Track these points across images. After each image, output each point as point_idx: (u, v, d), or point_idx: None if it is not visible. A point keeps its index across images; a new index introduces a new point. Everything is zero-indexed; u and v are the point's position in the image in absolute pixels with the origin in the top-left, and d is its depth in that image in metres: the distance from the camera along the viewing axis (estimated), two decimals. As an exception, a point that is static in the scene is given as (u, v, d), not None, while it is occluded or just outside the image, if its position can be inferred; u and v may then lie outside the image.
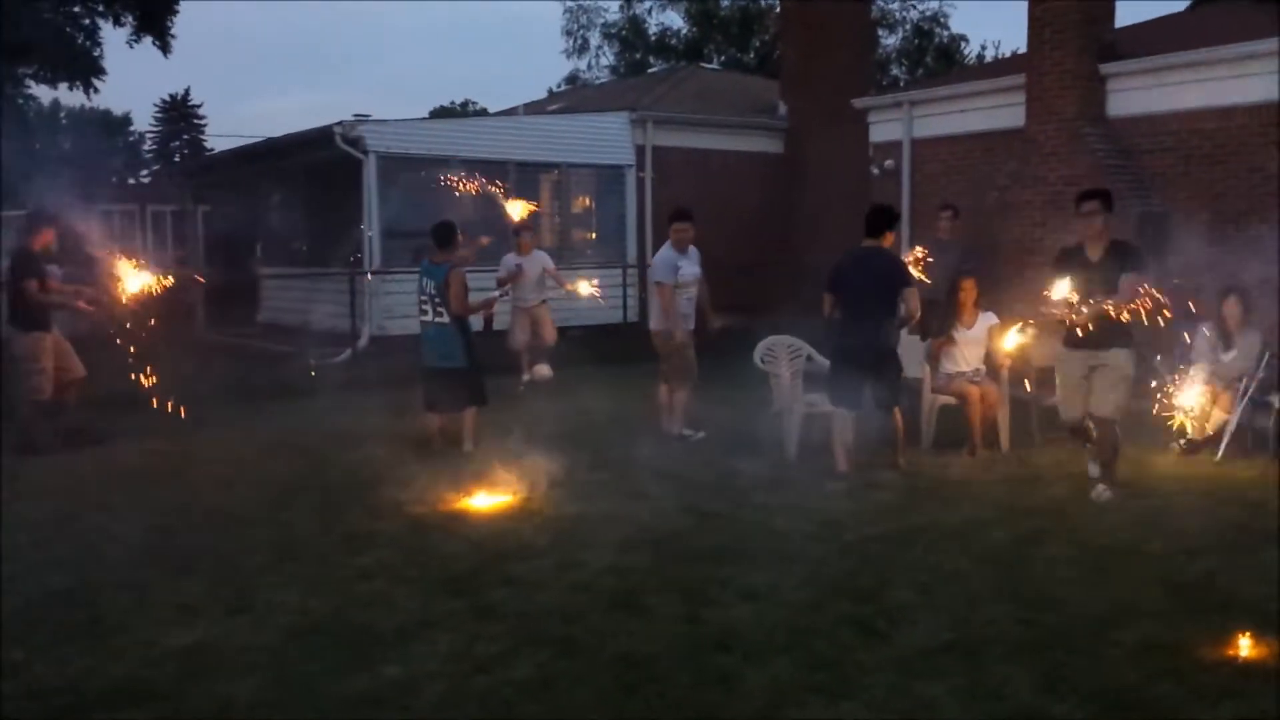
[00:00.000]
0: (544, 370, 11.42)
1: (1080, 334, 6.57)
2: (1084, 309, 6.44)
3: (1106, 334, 6.49)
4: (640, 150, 16.05)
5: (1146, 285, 6.31)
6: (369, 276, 13.72)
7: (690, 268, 8.57)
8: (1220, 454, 7.63)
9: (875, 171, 13.97)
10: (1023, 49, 12.00)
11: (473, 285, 8.41)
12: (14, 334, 8.48)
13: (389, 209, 14.06)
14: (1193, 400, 8.01)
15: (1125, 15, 11.83)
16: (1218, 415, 7.89)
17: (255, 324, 17.45)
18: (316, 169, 15.62)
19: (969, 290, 8.42)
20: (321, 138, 14.22)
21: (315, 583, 5.26)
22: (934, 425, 8.26)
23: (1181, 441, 7.97)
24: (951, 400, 8.15)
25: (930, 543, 5.76)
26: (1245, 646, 4.18)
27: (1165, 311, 6.30)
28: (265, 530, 6.18)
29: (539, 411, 9.77)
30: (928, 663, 4.18)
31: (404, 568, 5.46)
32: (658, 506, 6.62)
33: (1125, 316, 6.33)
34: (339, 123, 14.00)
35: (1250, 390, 7.81)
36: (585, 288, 10.99)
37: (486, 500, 6.70)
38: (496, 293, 8.57)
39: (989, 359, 8.29)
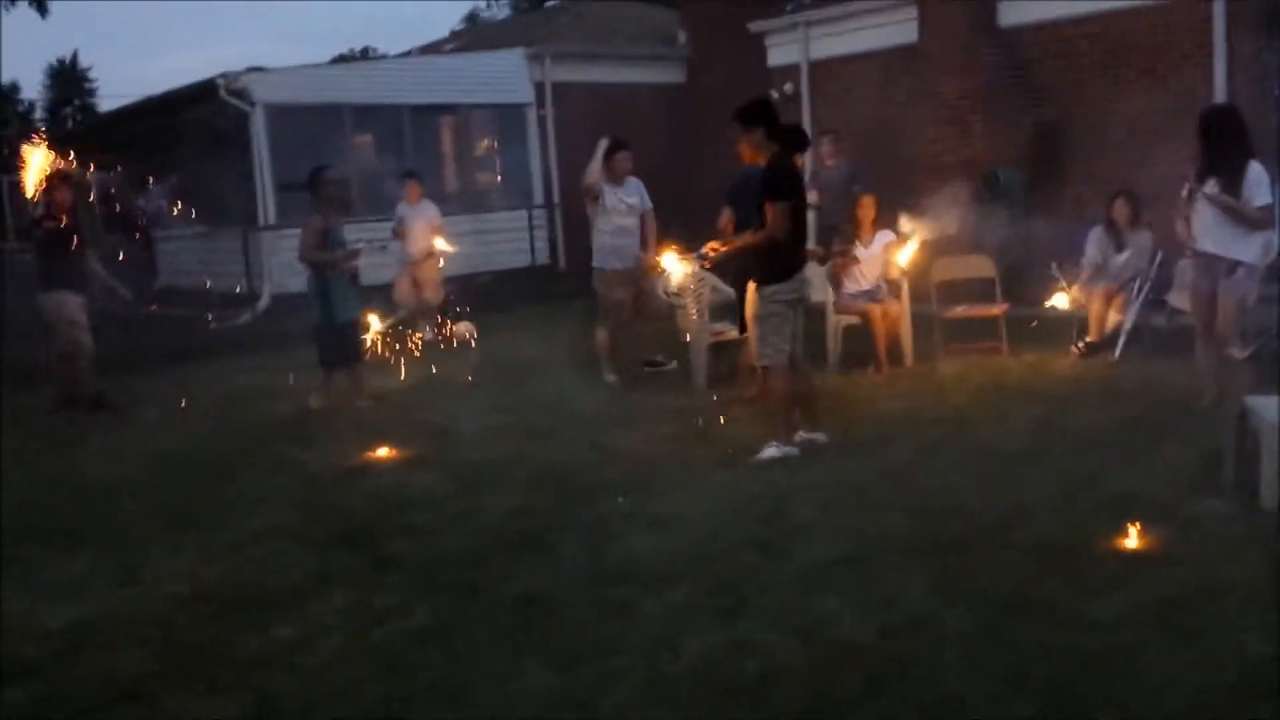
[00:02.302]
0: (464, 328, 11.17)
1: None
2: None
3: (743, 265, 6.36)
4: (539, 87, 15.70)
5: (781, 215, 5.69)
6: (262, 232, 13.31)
7: (618, 197, 8.29)
8: (1117, 354, 7.77)
9: (775, 96, 13.86)
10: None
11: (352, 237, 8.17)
12: None
13: (281, 161, 13.60)
14: (1064, 303, 8.19)
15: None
16: (1113, 316, 8.03)
17: (153, 290, 16.89)
18: (205, 124, 15.05)
19: (867, 208, 8.43)
20: (206, 91, 13.69)
21: (207, 549, 5.09)
22: (839, 345, 8.28)
23: (1080, 344, 8.11)
24: (855, 320, 8.18)
25: (833, 461, 5.78)
26: (1133, 537, 4.25)
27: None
28: (157, 498, 5.97)
29: (444, 360, 9.61)
30: (825, 576, 4.19)
31: (300, 526, 5.32)
32: (564, 446, 6.54)
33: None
34: (223, 74, 13.47)
35: (1145, 291, 7.95)
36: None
37: (388, 453, 6.57)
38: (361, 246, 8.03)
39: (888, 275, 8.33)
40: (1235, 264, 5.99)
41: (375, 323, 8.89)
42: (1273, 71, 9.95)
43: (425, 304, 11.25)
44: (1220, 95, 9.55)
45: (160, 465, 6.68)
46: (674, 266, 7.19)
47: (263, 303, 13.15)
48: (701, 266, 7.09)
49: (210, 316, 12.13)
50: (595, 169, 8.09)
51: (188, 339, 11.55)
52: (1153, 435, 5.80)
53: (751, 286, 6.02)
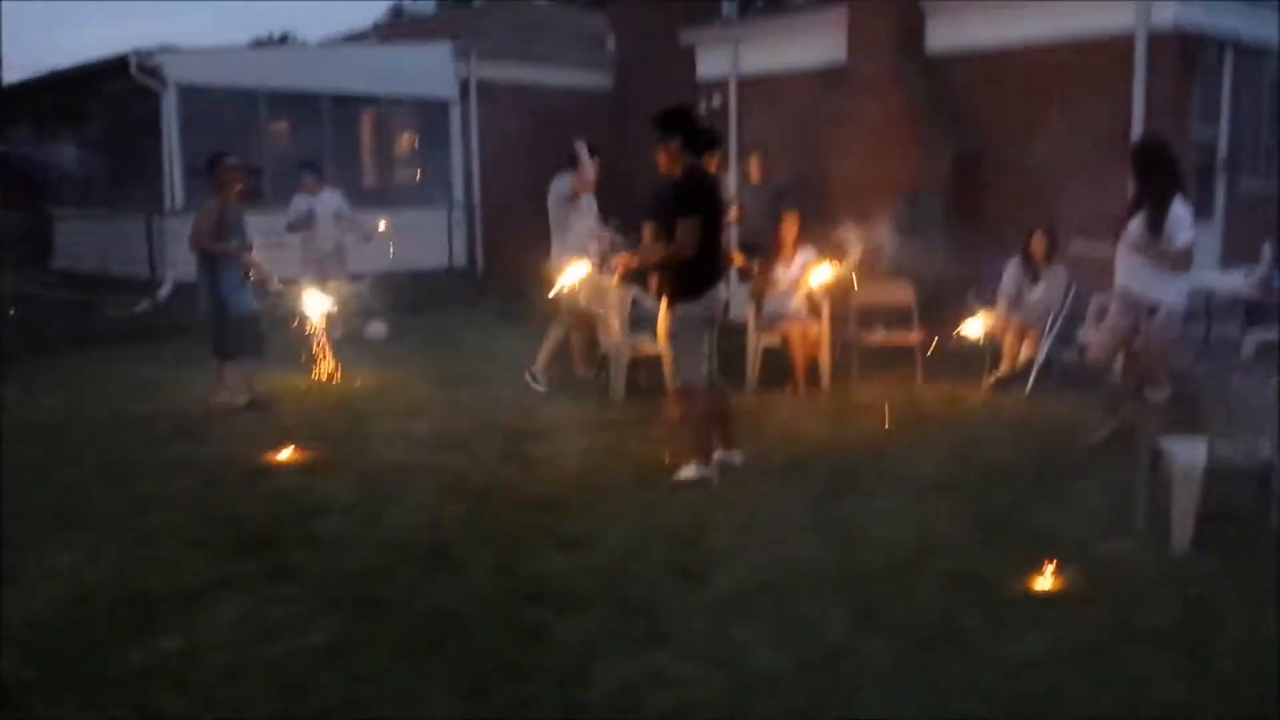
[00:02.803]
0: (377, 328, 10.87)
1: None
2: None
3: (657, 283, 6.12)
4: (464, 84, 15.44)
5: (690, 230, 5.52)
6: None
7: (589, 202, 8.26)
8: (1029, 389, 7.86)
9: (703, 108, 13.85)
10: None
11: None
12: None
13: (192, 145, 13.10)
14: (977, 330, 8.26)
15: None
16: (1026, 350, 8.13)
17: (50, 271, 16.18)
18: (113, 102, 14.46)
19: (790, 226, 8.40)
20: (116, 68, 13.13)
21: (94, 549, 4.81)
22: (758, 365, 8.24)
23: (992, 376, 8.19)
24: (776, 340, 8.15)
25: (752, 484, 5.71)
26: (1049, 576, 4.25)
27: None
28: (43, 493, 5.63)
29: (355, 362, 9.32)
30: (743, 605, 4.10)
31: (193, 529, 5.06)
32: (477, 456, 6.36)
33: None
34: (135, 51, 12.93)
35: (1057, 326, 8.06)
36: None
37: (291, 455, 6.30)
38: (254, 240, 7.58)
39: (808, 296, 8.32)
40: (1156, 306, 5.99)
41: (316, 308, 8.57)
42: (1191, 111, 10.25)
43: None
44: (1139, 132, 9.78)
45: (48, 458, 6.32)
46: (579, 276, 7.06)
47: (164, 290, 12.64)
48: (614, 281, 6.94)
49: (108, 303, 11.62)
50: (588, 170, 7.89)
51: (83, 325, 11.05)
52: (1064, 472, 5.84)
53: (663, 303, 5.89)
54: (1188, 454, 4.61)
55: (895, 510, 5.24)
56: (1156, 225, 5.86)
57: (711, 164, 6.51)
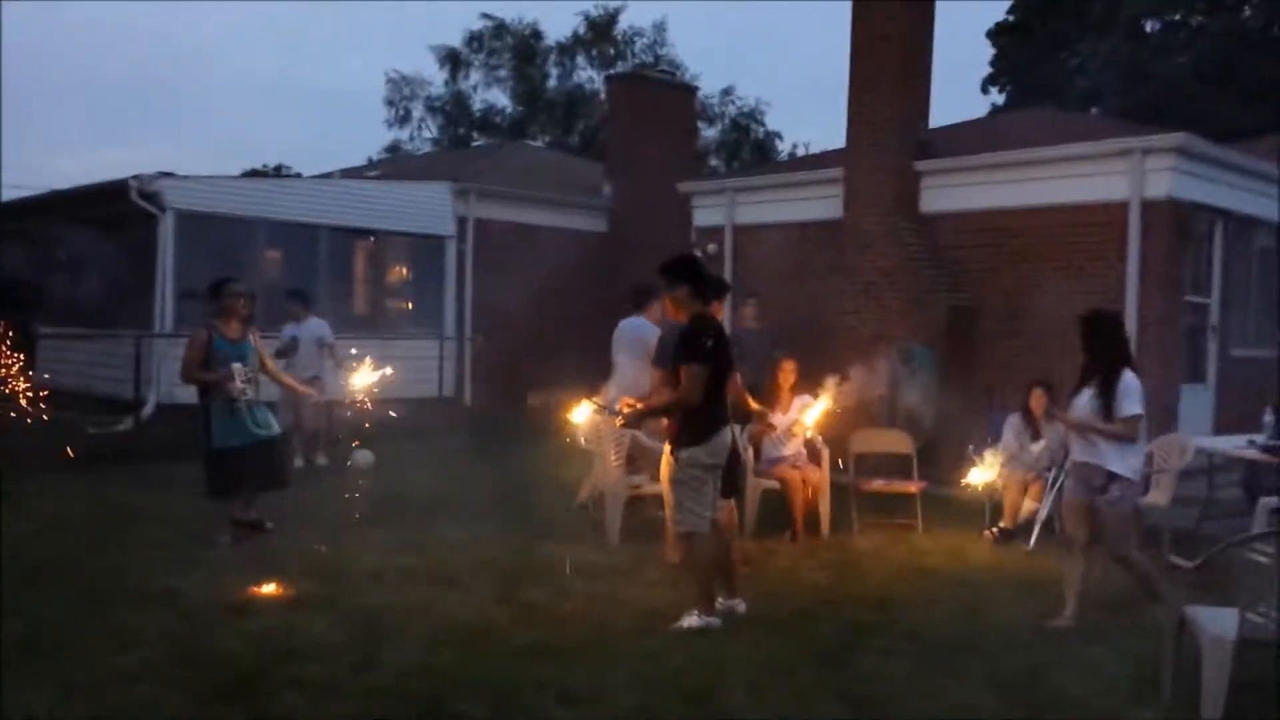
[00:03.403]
0: (363, 457, 10.69)
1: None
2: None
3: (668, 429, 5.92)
4: (462, 221, 15.65)
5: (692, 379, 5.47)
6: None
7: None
8: (1032, 543, 7.73)
9: (699, 254, 14.02)
10: (830, 148, 12.35)
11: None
12: None
13: (186, 269, 13.10)
14: (982, 479, 8.18)
15: (934, 119, 12.32)
16: (1028, 505, 8.04)
17: (31, 388, 15.92)
18: (111, 225, 14.52)
19: (787, 373, 8.40)
20: (116, 191, 13.24)
21: (69, 686, 4.52)
22: (756, 510, 8.08)
23: (994, 530, 8.08)
24: (775, 485, 8.02)
25: (759, 636, 5.48)
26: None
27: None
28: (14, 622, 5.34)
29: (341, 492, 9.09)
30: (762, 774, 3.86)
31: (174, 669, 4.78)
32: (471, 597, 6.12)
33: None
34: (135, 176, 13.06)
35: (1059, 481, 7.98)
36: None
37: (277, 591, 6.04)
38: (236, 367, 7.06)
39: (808, 443, 8.25)
40: (1110, 477, 5.74)
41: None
42: (1184, 278, 10.42)
43: (303, 431, 10.75)
44: (1132, 297, 9.92)
45: (22, 585, 6.02)
46: (585, 415, 6.94)
47: (147, 410, 12.44)
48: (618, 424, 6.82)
49: (89, 422, 11.39)
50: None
51: (63, 443, 10.77)
52: (1078, 634, 5.66)
53: (666, 450, 5.79)
54: (1217, 623, 4.46)
55: (909, 671, 5.02)
56: (1107, 396, 5.73)
57: (718, 311, 6.53)
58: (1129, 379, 5.74)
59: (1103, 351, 5.86)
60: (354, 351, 9.97)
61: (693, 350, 5.51)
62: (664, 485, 5.89)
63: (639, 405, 5.98)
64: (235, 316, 7.31)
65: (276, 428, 7.47)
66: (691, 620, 5.55)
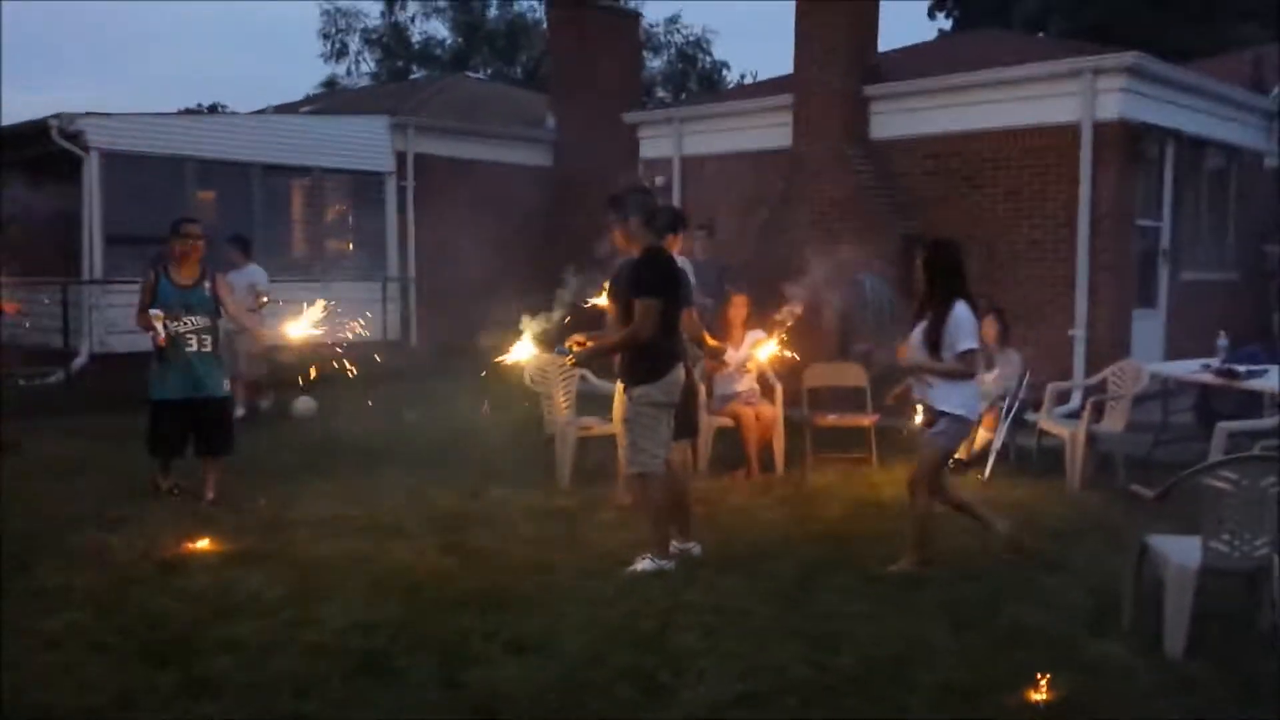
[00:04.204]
0: (304, 404, 10.40)
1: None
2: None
3: (613, 365, 5.75)
4: (401, 157, 15.16)
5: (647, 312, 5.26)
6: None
7: None
8: (987, 472, 7.67)
9: (647, 186, 13.72)
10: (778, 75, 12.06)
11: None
12: None
13: (114, 212, 12.57)
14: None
15: (881, 44, 12.04)
16: (983, 434, 7.96)
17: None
18: (34, 168, 13.87)
19: (739, 307, 8.19)
20: (36, 132, 12.61)
21: (-13, 655, 4.27)
22: (710, 448, 7.93)
23: (950, 461, 7.97)
24: (728, 422, 7.86)
25: (713, 577, 5.33)
26: (1043, 687, 3.93)
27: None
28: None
29: (283, 440, 8.84)
30: (717, 721, 3.72)
31: (101, 631, 4.54)
32: (414, 545, 5.92)
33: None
34: (56, 115, 12.44)
35: (1014, 410, 7.92)
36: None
37: (209, 546, 5.79)
38: (154, 312, 6.59)
39: (760, 378, 8.09)
40: (939, 413, 5.46)
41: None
42: (1135, 200, 10.32)
43: (244, 376, 10.45)
44: (1084, 220, 9.82)
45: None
46: (527, 353, 6.67)
47: (79, 360, 12.00)
48: (568, 363, 6.57)
49: (17, 374, 10.95)
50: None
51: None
52: (1035, 564, 5.59)
53: (619, 388, 5.57)
54: (1180, 553, 4.37)
55: (865, 609, 4.90)
56: (936, 330, 5.41)
57: (675, 244, 6.30)
58: (960, 312, 5.37)
59: (941, 284, 5.47)
60: (281, 304, 9.66)
61: (648, 283, 5.29)
62: (616, 425, 5.68)
63: (589, 343, 5.75)
64: (185, 259, 6.81)
65: (224, 388, 6.99)
66: (645, 564, 5.40)
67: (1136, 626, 4.57)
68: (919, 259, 5.61)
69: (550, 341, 6.38)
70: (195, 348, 6.73)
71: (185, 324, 6.69)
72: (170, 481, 6.94)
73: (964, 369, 5.41)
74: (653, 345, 5.32)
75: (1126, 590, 4.68)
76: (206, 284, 6.86)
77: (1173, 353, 10.39)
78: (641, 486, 5.56)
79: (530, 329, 6.11)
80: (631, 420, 5.45)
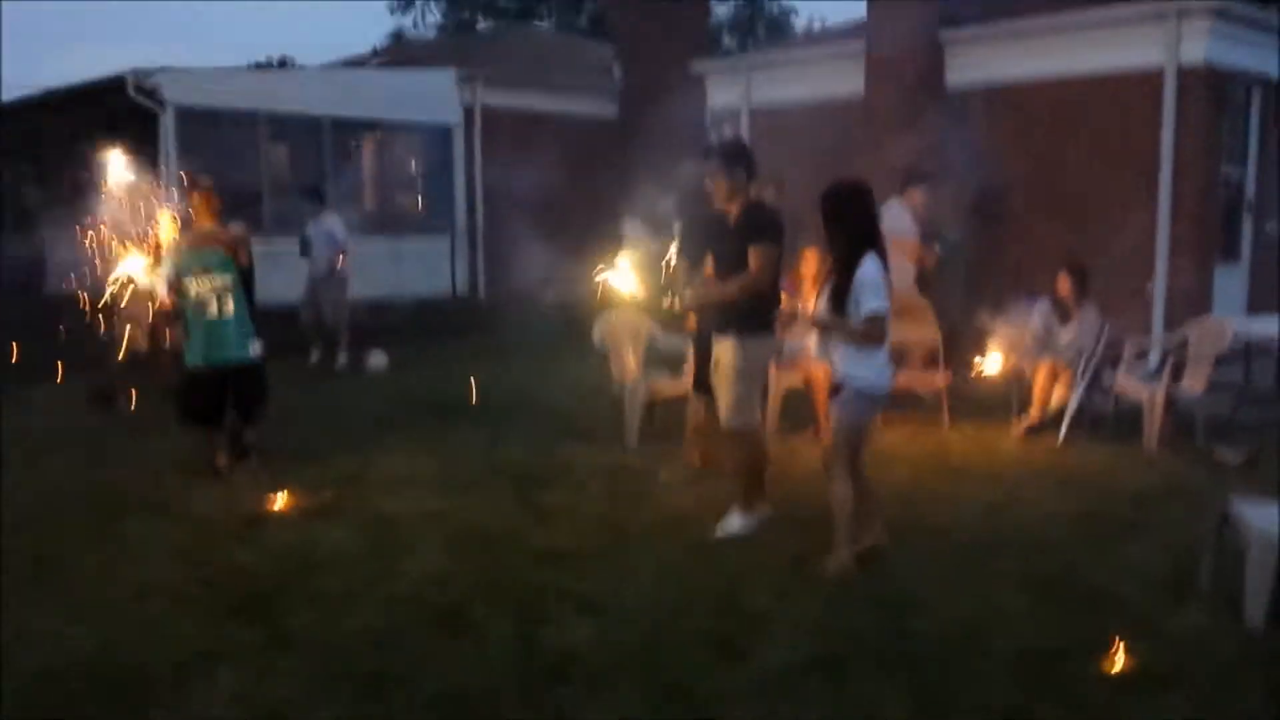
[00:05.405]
0: (378, 360, 10.58)
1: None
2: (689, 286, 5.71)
3: (717, 316, 5.47)
4: (469, 111, 15.16)
5: (769, 260, 5.19)
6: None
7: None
8: (1062, 436, 7.53)
9: (714, 138, 13.57)
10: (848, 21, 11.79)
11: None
12: None
13: (191, 168, 12.75)
14: (996, 367, 8.06)
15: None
16: (1058, 393, 7.81)
17: (44, 295, 15.80)
18: (110, 123, 14.13)
19: (810, 261, 8.06)
20: (113, 88, 12.82)
21: (77, 606, 4.45)
22: (779, 407, 7.89)
23: (1022, 422, 7.86)
24: (798, 381, 7.80)
25: (783, 540, 5.32)
26: (1122, 653, 3.89)
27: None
28: (18, 541, 5.25)
29: (356, 396, 8.99)
30: (790, 685, 3.74)
31: (186, 585, 4.69)
32: (489, 501, 6.02)
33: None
34: (132, 70, 12.64)
35: (1089, 371, 7.75)
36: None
37: (290, 502, 5.92)
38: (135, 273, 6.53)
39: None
40: (841, 383, 4.90)
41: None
42: (1219, 150, 9.98)
43: (326, 328, 10.69)
44: (1167, 170, 9.53)
45: (26, 501, 5.93)
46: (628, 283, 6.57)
47: (156, 316, 12.28)
48: (685, 317, 6.44)
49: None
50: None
51: (69, 349, 10.65)
52: (1112, 529, 5.51)
53: (728, 341, 5.37)
54: (1262, 519, 4.27)
55: (944, 573, 4.87)
56: (841, 290, 4.80)
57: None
58: (868, 269, 4.72)
59: (844, 237, 4.83)
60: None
61: (764, 232, 5.25)
62: (720, 379, 5.55)
63: (706, 293, 5.63)
64: (200, 216, 6.53)
65: (249, 351, 6.55)
66: (733, 524, 5.42)
67: (1215, 596, 4.48)
68: (820, 209, 4.93)
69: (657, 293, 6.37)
70: (216, 311, 6.43)
71: (203, 284, 6.41)
72: (224, 459, 6.57)
73: (870, 333, 4.76)
74: (768, 295, 5.29)
75: (1206, 558, 4.59)
76: (218, 244, 6.48)
77: (1255, 308, 10.08)
78: (742, 442, 5.49)
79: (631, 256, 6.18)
80: (742, 372, 5.33)
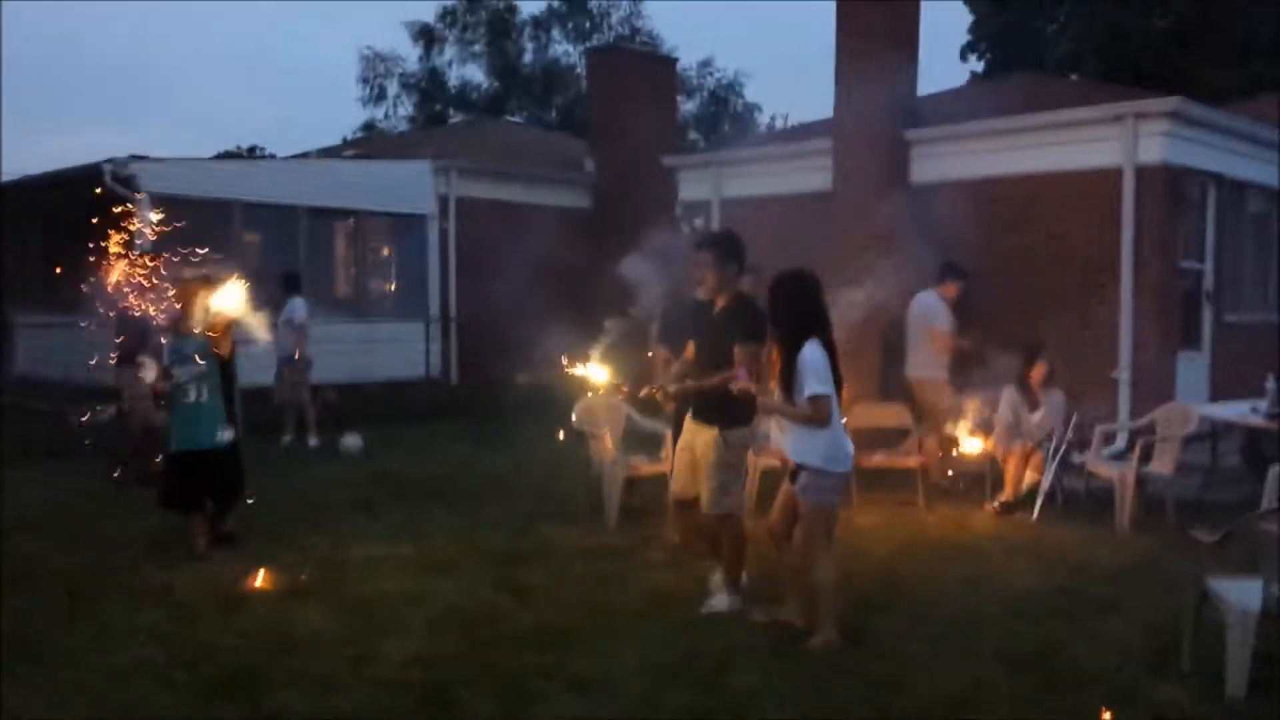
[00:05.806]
0: (352, 441, 10.61)
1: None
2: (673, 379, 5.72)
3: (699, 406, 5.59)
4: (443, 200, 15.41)
5: (754, 359, 5.24)
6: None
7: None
8: (1036, 514, 7.64)
9: (685, 230, 13.83)
10: (810, 119, 12.11)
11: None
12: None
13: (168, 254, 12.80)
14: (974, 448, 8.22)
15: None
16: (1030, 475, 7.95)
17: (7, 377, 15.66)
18: (85, 209, 14.18)
19: (775, 348, 8.21)
20: (89, 175, 12.92)
21: (59, 688, 4.37)
22: (756, 488, 7.94)
23: (995, 502, 7.98)
24: (775, 462, 7.87)
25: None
26: (1110, 729, 3.93)
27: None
28: (3, 620, 5.16)
29: (332, 477, 8.95)
30: (783, 763, 3.74)
31: (169, 666, 4.62)
32: (469, 582, 5.99)
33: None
34: (109, 159, 12.77)
35: (1060, 451, 7.90)
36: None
37: (268, 582, 5.87)
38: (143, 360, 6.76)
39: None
40: (800, 468, 5.04)
41: None
42: (1177, 244, 10.30)
43: (306, 405, 10.88)
44: (1127, 264, 9.81)
45: (11, 581, 5.83)
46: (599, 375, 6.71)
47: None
48: (662, 402, 6.46)
49: (71, 411, 11.14)
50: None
51: (44, 434, 10.57)
52: (1090, 606, 5.58)
53: (709, 432, 5.46)
54: (1241, 596, 4.36)
55: (921, 650, 4.91)
56: (787, 375, 5.00)
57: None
58: (809, 354, 4.90)
59: (789, 322, 5.04)
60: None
61: (754, 334, 5.31)
62: (700, 467, 5.60)
63: (689, 386, 5.63)
64: (187, 306, 6.60)
65: (221, 436, 6.56)
66: (719, 603, 5.48)
67: (1196, 670, 4.55)
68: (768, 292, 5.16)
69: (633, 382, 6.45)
70: (193, 397, 6.49)
71: (183, 372, 6.47)
72: (204, 543, 6.51)
73: (811, 415, 4.88)
74: (750, 391, 5.29)
75: (1187, 632, 4.66)
76: (196, 332, 6.54)
77: (1217, 394, 10.31)
78: (726, 526, 5.55)
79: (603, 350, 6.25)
80: (724, 462, 5.43)
